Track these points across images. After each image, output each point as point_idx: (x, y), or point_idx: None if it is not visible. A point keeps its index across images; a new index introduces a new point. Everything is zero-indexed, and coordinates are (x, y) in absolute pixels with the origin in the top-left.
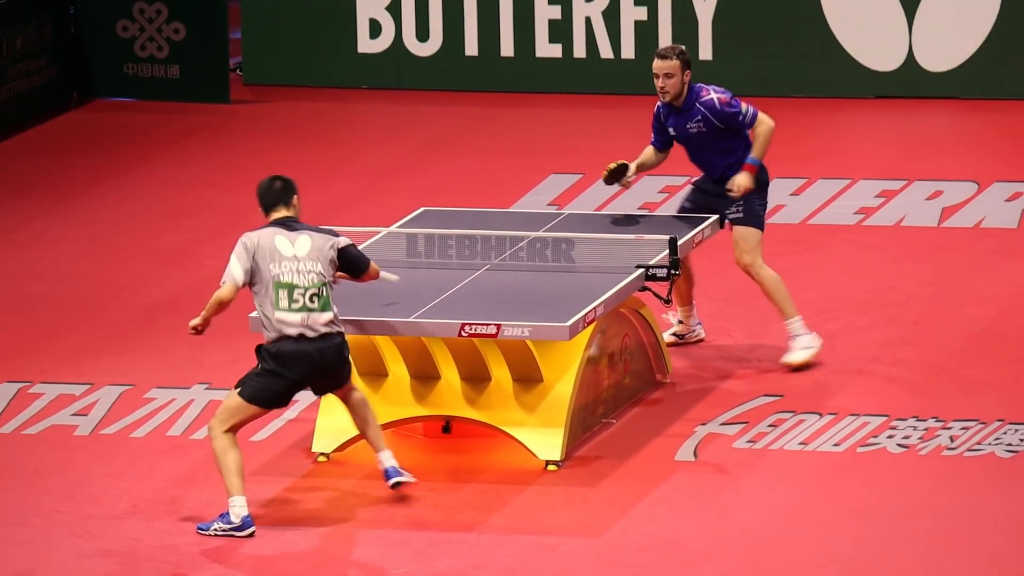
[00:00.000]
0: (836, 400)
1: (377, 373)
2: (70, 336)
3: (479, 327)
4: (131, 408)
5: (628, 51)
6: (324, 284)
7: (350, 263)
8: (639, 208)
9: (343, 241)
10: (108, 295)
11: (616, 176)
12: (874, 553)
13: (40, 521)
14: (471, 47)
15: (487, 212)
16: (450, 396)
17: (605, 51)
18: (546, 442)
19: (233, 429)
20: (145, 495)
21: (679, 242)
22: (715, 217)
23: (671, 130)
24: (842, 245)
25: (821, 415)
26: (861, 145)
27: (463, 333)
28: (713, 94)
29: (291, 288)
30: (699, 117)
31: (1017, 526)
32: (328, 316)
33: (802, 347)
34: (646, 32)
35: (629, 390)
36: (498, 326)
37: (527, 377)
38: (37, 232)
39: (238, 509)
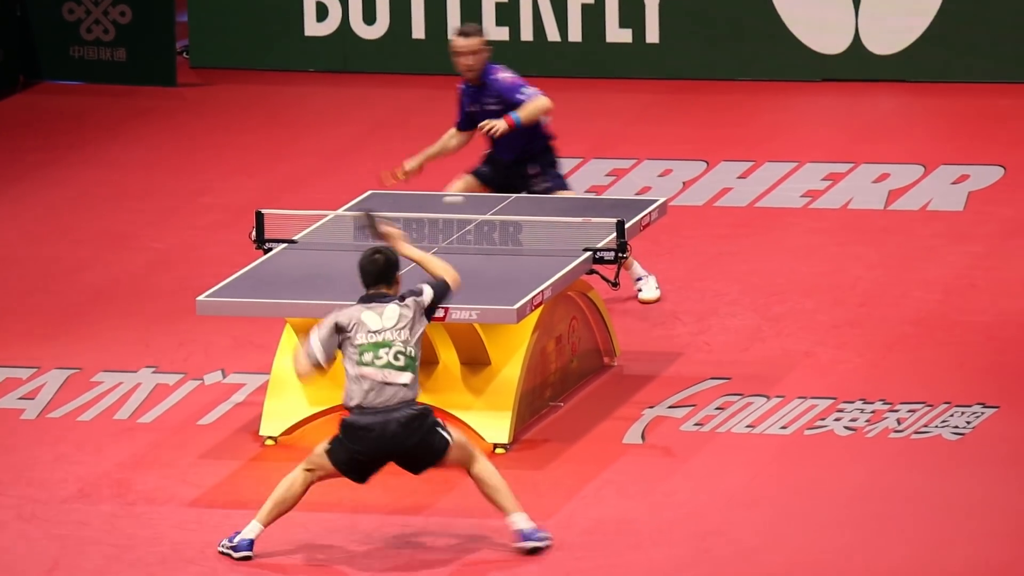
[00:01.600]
0: (783, 383)
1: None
2: (16, 319)
3: None
4: (78, 392)
5: (576, 34)
6: (409, 347)
7: (435, 305)
8: (586, 191)
9: (427, 294)
10: (54, 278)
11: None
12: (821, 536)
13: None
14: (418, 30)
15: (434, 195)
16: None
17: (552, 34)
18: (494, 425)
19: (312, 471)
20: (92, 479)
21: (626, 225)
22: (662, 200)
23: (473, 108)
24: (789, 228)
25: (768, 398)
26: (808, 128)
27: None
28: (505, 73)
29: (375, 347)
30: (493, 93)
31: (964, 508)
32: (407, 378)
33: (655, 286)
34: (593, 15)
35: (577, 373)
36: (446, 309)
37: (475, 360)
38: None
39: (245, 531)
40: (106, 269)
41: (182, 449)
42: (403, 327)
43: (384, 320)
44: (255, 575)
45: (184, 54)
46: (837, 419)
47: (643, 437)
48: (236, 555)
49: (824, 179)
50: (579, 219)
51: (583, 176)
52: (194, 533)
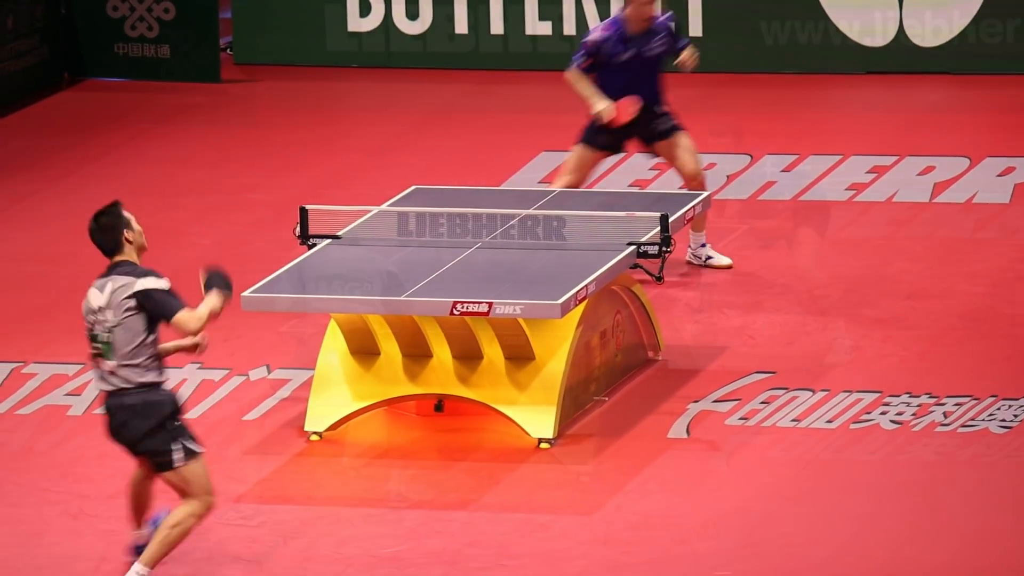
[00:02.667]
0: (829, 377)
1: (369, 352)
2: (63, 316)
3: (471, 305)
4: None
5: None
6: (108, 333)
7: (151, 309)
8: (630, 186)
9: (144, 284)
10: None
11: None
12: (867, 529)
13: (33, 500)
14: (461, 25)
15: (478, 190)
16: (442, 374)
17: None
18: (538, 420)
19: None
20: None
21: (670, 219)
22: (707, 194)
23: (625, 56)
24: (834, 221)
25: (814, 392)
26: (852, 121)
27: (455, 311)
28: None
29: (91, 339)
30: (663, 33)
31: (1012, 501)
32: (110, 364)
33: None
34: None
35: (621, 368)
36: (490, 304)
37: (519, 355)
38: (28, 211)
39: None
40: (150, 265)
41: (227, 445)
42: (109, 308)
43: (101, 298)
44: (302, 570)
45: (228, 50)
46: (883, 412)
47: (688, 431)
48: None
49: (869, 172)
50: (623, 213)
51: (627, 171)
52: (239, 528)
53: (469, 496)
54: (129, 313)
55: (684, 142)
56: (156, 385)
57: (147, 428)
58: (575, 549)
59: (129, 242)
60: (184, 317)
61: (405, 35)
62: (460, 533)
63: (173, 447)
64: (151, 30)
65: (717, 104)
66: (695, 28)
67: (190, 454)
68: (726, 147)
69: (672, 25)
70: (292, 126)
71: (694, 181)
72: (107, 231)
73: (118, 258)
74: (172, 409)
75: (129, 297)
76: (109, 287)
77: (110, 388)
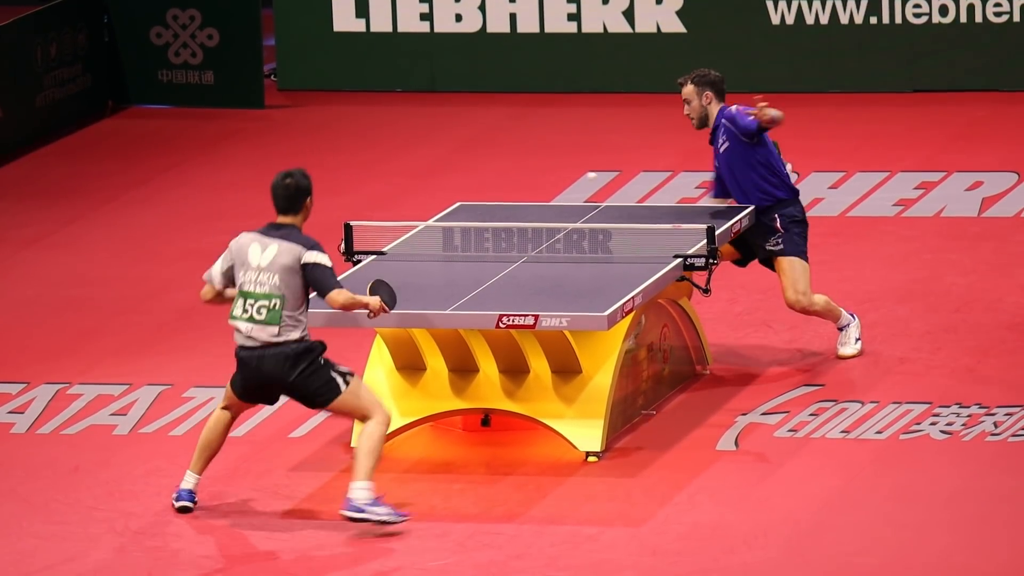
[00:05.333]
0: (878, 389)
1: (415, 367)
2: (108, 337)
3: (517, 318)
4: (169, 407)
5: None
6: (278, 297)
7: (312, 282)
8: (678, 203)
9: (311, 256)
10: (144, 297)
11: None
12: (917, 540)
13: (80, 519)
14: (505, 49)
15: (522, 206)
16: (489, 389)
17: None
18: (586, 433)
19: (228, 408)
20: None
21: (717, 232)
22: (752, 207)
23: (715, 162)
24: (881, 236)
25: (863, 403)
26: (899, 138)
27: (501, 324)
28: (735, 107)
29: (245, 296)
30: (723, 132)
31: None
32: (273, 329)
33: (855, 339)
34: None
35: (669, 381)
36: (536, 317)
37: (566, 368)
38: (73, 237)
39: (184, 482)
40: (195, 288)
41: (274, 461)
42: (275, 270)
43: (263, 256)
44: None
45: (272, 77)
46: (933, 423)
47: (737, 444)
48: (177, 504)
49: (916, 188)
50: (669, 225)
51: (673, 189)
52: (287, 543)
53: (516, 509)
54: (295, 278)
55: (785, 268)
56: (306, 338)
57: (299, 373)
58: (623, 560)
59: (305, 208)
60: (334, 295)
61: (448, 58)
62: (507, 546)
63: (334, 376)
64: (195, 57)
65: None
66: (751, 45)
67: (347, 376)
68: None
69: (727, 122)
70: (336, 150)
71: (793, 310)
72: (294, 192)
73: (288, 220)
74: (320, 350)
75: (299, 265)
76: (274, 249)
77: (263, 342)
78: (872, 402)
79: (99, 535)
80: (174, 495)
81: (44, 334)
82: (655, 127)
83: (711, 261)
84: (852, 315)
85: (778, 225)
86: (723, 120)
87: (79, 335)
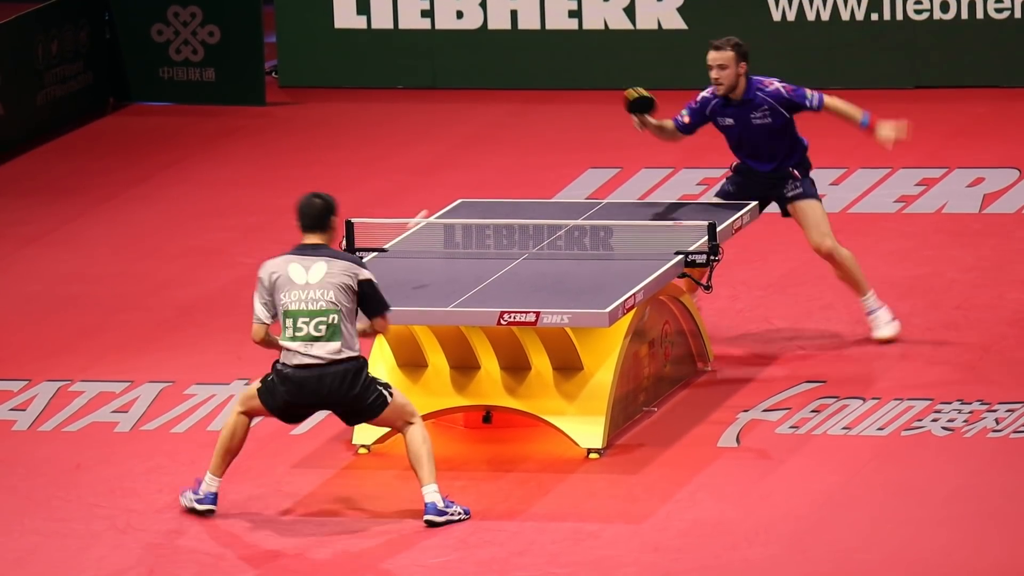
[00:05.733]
0: (879, 385)
1: (416, 364)
2: (109, 335)
3: (518, 315)
4: (171, 404)
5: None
6: (336, 312)
7: (367, 299)
8: (679, 199)
9: (367, 273)
10: (146, 294)
11: (640, 107)
12: (919, 536)
13: (81, 516)
14: (505, 45)
15: (524, 203)
16: (490, 386)
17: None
18: (587, 430)
19: (247, 414)
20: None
21: (718, 228)
22: (754, 204)
23: (728, 120)
24: (883, 233)
25: (865, 400)
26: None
27: (502, 321)
28: (777, 83)
29: (296, 316)
30: (766, 107)
31: None
32: (335, 345)
33: (887, 320)
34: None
35: (670, 378)
36: (537, 313)
37: (567, 365)
38: (75, 234)
39: (205, 485)
40: (196, 284)
41: (275, 459)
42: (329, 286)
43: (310, 275)
44: None
45: (273, 74)
46: (935, 420)
47: (738, 440)
48: (200, 508)
49: (918, 184)
50: (669, 223)
51: (675, 185)
52: (288, 541)
53: (518, 506)
54: (350, 295)
55: (807, 211)
56: (362, 355)
57: (360, 388)
58: (625, 557)
59: (333, 228)
60: (383, 321)
61: (449, 55)
62: (509, 542)
63: (380, 389)
64: (196, 54)
65: None
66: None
67: (388, 387)
68: None
69: (775, 100)
70: (337, 147)
71: (819, 253)
72: (321, 211)
73: (317, 239)
74: (367, 367)
75: (356, 281)
76: (323, 266)
77: (325, 359)
78: (874, 399)
79: (100, 532)
80: (194, 497)
81: (45, 331)
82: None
83: (712, 257)
84: (882, 304)
85: (795, 172)
86: (762, 95)
87: (80, 332)
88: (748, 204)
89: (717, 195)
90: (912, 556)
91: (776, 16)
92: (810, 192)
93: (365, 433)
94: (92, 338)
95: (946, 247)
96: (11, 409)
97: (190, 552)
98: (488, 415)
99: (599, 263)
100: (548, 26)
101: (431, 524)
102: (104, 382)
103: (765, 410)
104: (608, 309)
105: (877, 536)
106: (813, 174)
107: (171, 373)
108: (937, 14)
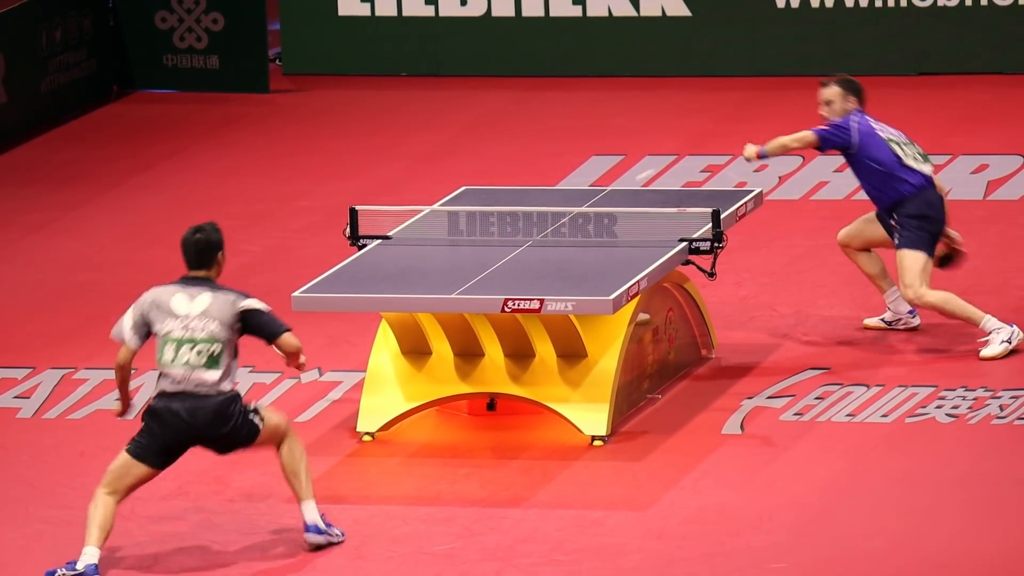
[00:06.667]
0: (884, 372)
1: (420, 351)
2: (113, 322)
3: (522, 302)
4: None
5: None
6: (217, 343)
7: (259, 327)
8: (683, 187)
9: (251, 303)
10: (150, 281)
11: (948, 260)
12: (923, 522)
13: (86, 503)
14: (509, 33)
15: (528, 190)
16: (494, 373)
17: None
18: (591, 417)
19: (116, 492)
20: (190, 477)
21: (722, 215)
22: (758, 190)
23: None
24: None
25: (869, 387)
26: (905, 121)
27: (506, 308)
28: (840, 119)
29: (178, 343)
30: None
31: None
32: (214, 375)
33: (1000, 340)
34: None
35: (674, 365)
36: (541, 301)
37: (571, 352)
38: (79, 221)
39: (86, 558)
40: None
41: None
42: (211, 318)
43: (194, 305)
44: (357, 568)
45: (277, 61)
46: (939, 406)
47: (742, 427)
48: None
49: None
50: (673, 208)
51: (679, 172)
52: (292, 527)
53: (522, 493)
54: (232, 328)
55: (897, 262)
56: (235, 392)
57: (230, 427)
58: (629, 544)
59: (219, 264)
60: (288, 337)
61: (453, 43)
62: (513, 530)
63: (252, 419)
64: (200, 41)
65: (767, 107)
66: (756, 28)
67: (258, 412)
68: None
69: (831, 130)
70: (341, 135)
71: (908, 302)
72: (206, 246)
73: (202, 274)
74: (240, 400)
75: (238, 312)
76: (207, 297)
77: (201, 391)
78: (878, 385)
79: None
80: (76, 572)
81: (49, 319)
82: (660, 111)
83: (716, 245)
84: (1007, 324)
85: (894, 222)
86: (828, 127)
87: (85, 320)
88: (753, 190)
89: (876, 214)
90: (917, 543)
91: (780, 2)
92: (906, 242)
93: (369, 420)
94: (96, 326)
95: None
96: (15, 397)
97: (194, 538)
98: (492, 402)
99: (603, 250)
100: (552, 13)
101: (314, 545)
102: (108, 370)
103: (769, 397)
104: (612, 296)
105: (881, 523)
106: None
107: None
108: (941, 0)
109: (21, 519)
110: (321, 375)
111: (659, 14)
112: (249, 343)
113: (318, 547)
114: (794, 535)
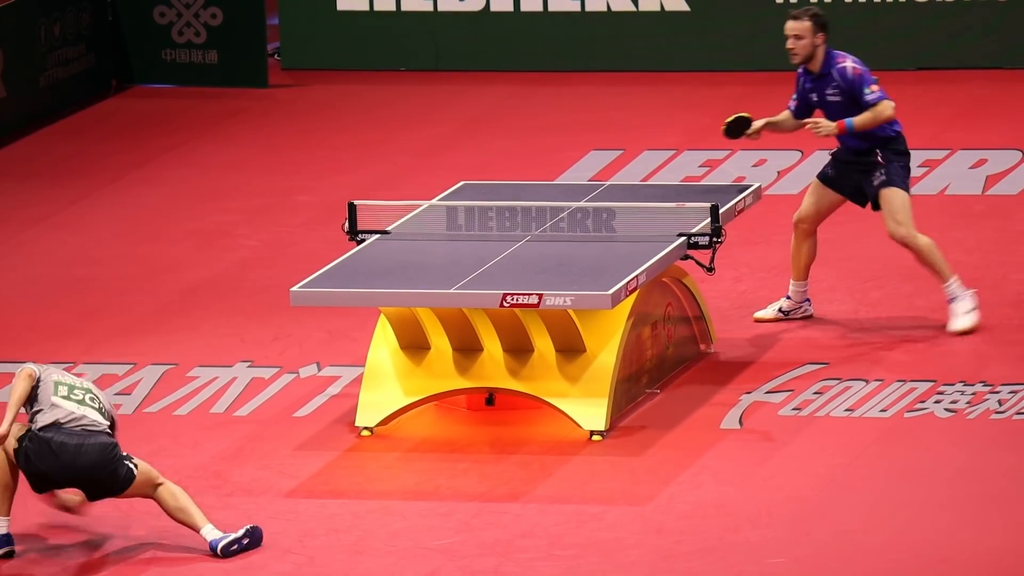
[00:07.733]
0: (882, 367)
1: (419, 346)
2: (112, 317)
3: (521, 297)
4: (174, 387)
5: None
6: (97, 395)
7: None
8: (682, 181)
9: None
10: (149, 276)
11: (736, 129)
12: (923, 517)
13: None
14: (508, 28)
15: (527, 184)
16: (493, 368)
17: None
18: (590, 412)
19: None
20: (189, 472)
21: (721, 209)
22: (757, 185)
23: (813, 96)
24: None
25: (867, 381)
26: (903, 116)
27: (505, 303)
28: (848, 61)
29: (70, 385)
30: (835, 83)
31: None
32: (100, 417)
33: (964, 311)
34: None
35: (673, 360)
36: (540, 295)
37: (570, 347)
38: (77, 216)
39: None
40: (200, 267)
41: (278, 441)
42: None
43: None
44: (354, 563)
45: (275, 56)
46: (937, 401)
47: (741, 422)
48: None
49: (921, 166)
50: (672, 204)
51: (677, 167)
52: (291, 523)
53: (521, 488)
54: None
55: (885, 199)
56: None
57: (108, 472)
58: (628, 539)
59: None
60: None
61: (452, 37)
62: (512, 524)
63: (128, 464)
64: (198, 36)
65: (766, 102)
66: (755, 23)
67: (132, 459)
68: (776, 143)
69: (841, 79)
70: (339, 129)
71: (893, 240)
72: None
73: None
74: (119, 447)
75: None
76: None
77: (90, 429)
78: (876, 380)
79: (104, 515)
80: None
81: (48, 313)
82: (659, 106)
83: (715, 239)
84: (966, 289)
85: (879, 158)
86: (836, 74)
87: (83, 314)
88: (752, 185)
89: (818, 177)
90: (914, 537)
91: None
92: (894, 179)
93: (368, 415)
94: (95, 320)
95: (948, 229)
96: None
97: (193, 534)
98: (491, 397)
99: (602, 245)
100: (551, 8)
101: (226, 553)
102: (107, 364)
103: (768, 392)
104: (611, 291)
105: (879, 518)
106: (816, 156)
107: (174, 355)
108: None
109: (20, 514)
110: (320, 370)
111: (658, 9)
112: (249, 340)
113: (238, 552)
114: (792, 530)
